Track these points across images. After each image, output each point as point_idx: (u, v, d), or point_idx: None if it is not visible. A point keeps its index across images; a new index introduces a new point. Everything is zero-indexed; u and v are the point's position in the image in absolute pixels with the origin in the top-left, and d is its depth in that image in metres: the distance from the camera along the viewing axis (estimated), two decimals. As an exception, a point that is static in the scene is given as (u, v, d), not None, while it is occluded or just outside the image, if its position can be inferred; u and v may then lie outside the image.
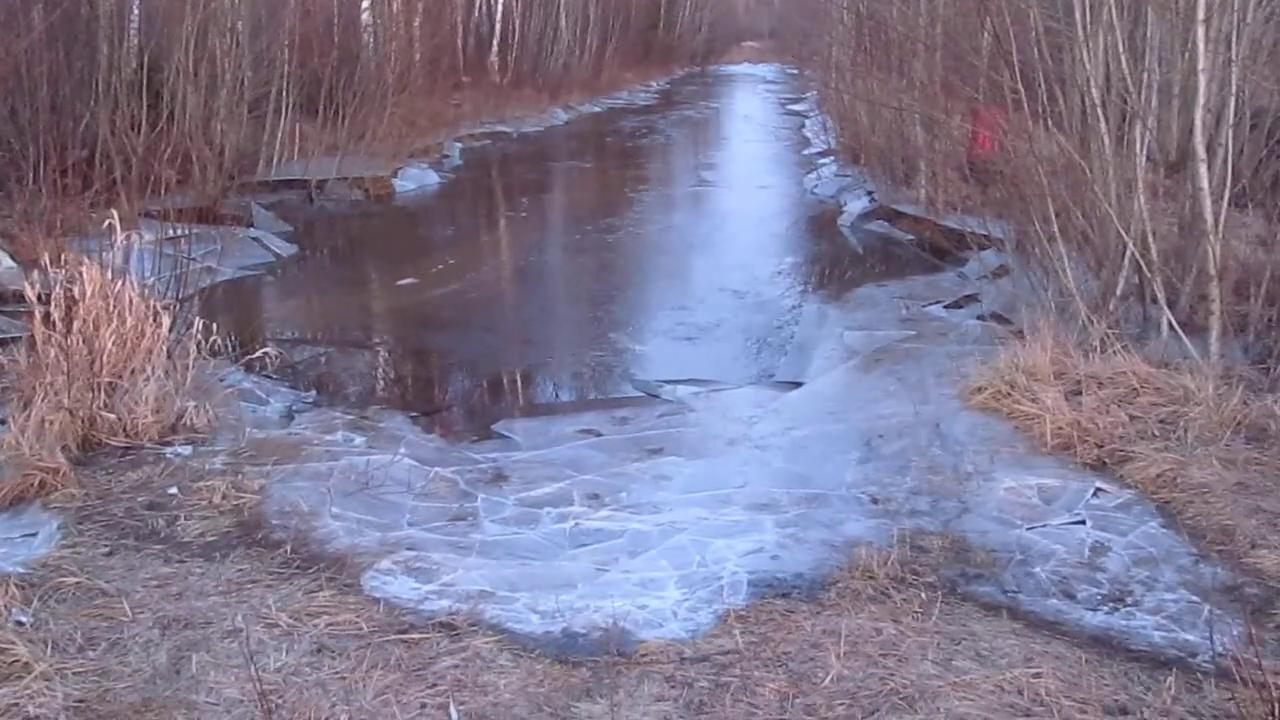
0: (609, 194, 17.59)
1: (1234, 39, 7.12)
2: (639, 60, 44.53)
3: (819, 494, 5.56)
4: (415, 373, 8.71)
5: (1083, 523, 5.10)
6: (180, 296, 7.56)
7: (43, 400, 5.79)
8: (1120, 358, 6.78)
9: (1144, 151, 7.51)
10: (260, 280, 11.14)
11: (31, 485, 5.23)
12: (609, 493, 5.67)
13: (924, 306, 9.76)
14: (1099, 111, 7.63)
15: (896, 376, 7.51)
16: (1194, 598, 4.36)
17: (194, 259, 8.42)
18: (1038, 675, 3.68)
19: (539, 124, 27.15)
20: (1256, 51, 7.85)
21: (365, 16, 19.87)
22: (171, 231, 8.41)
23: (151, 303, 6.66)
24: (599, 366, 8.52)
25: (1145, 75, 8.10)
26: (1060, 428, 6.01)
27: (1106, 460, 5.76)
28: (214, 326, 6.89)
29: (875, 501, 5.44)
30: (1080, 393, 6.43)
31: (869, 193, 15.40)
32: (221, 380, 7.13)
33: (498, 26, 30.76)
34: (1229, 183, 7.05)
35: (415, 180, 17.22)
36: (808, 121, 27.65)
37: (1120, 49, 7.52)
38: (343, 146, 16.40)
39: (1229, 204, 7.10)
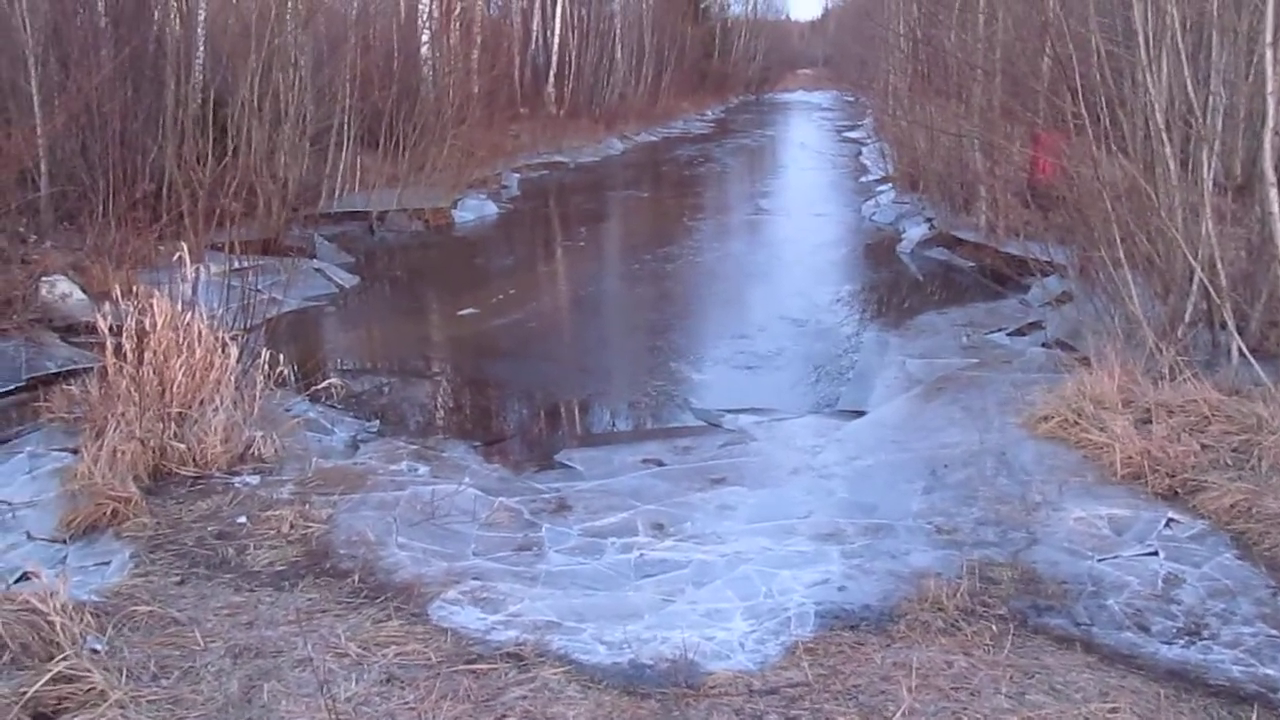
0: (666, 223, 17.64)
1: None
2: (694, 89, 44.81)
3: (884, 524, 5.50)
4: (477, 402, 8.77)
5: (1155, 554, 5.01)
6: (247, 327, 7.66)
7: (114, 430, 5.88)
8: (1190, 385, 6.67)
9: (1210, 175, 7.41)
10: (323, 311, 11.28)
11: (104, 514, 5.32)
12: (673, 523, 5.65)
13: (986, 334, 9.68)
14: (1163, 135, 7.54)
15: (960, 405, 7.44)
16: (1273, 631, 4.27)
17: (259, 290, 8.52)
18: (1114, 710, 3.61)
19: (595, 154, 27.35)
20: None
21: (424, 50, 20.15)
22: (237, 263, 8.52)
23: (220, 334, 6.77)
24: (659, 395, 8.51)
25: (1210, 98, 8.00)
26: (1130, 457, 5.92)
27: (1178, 490, 5.66)
28: (279, 357, 6.99)
29: (941, 532, 5.37)
30: (1150, 421, 6.32)
31: (928, 219, 15.32)
32: (287, 410, 7.21)
33: (554, 58, 31.07)
34: (1299, 206, 6.93)
35: (474, 211, 17.40)
36: (864, 148, 27.60)
37: (1185, 72, 7.44)
38: (403, 178, 16.60)
39: (1300, 228, 6.98)
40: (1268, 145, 6.89)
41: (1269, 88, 6.87)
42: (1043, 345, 9.02)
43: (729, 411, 7.90)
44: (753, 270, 13.70)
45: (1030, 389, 7.28)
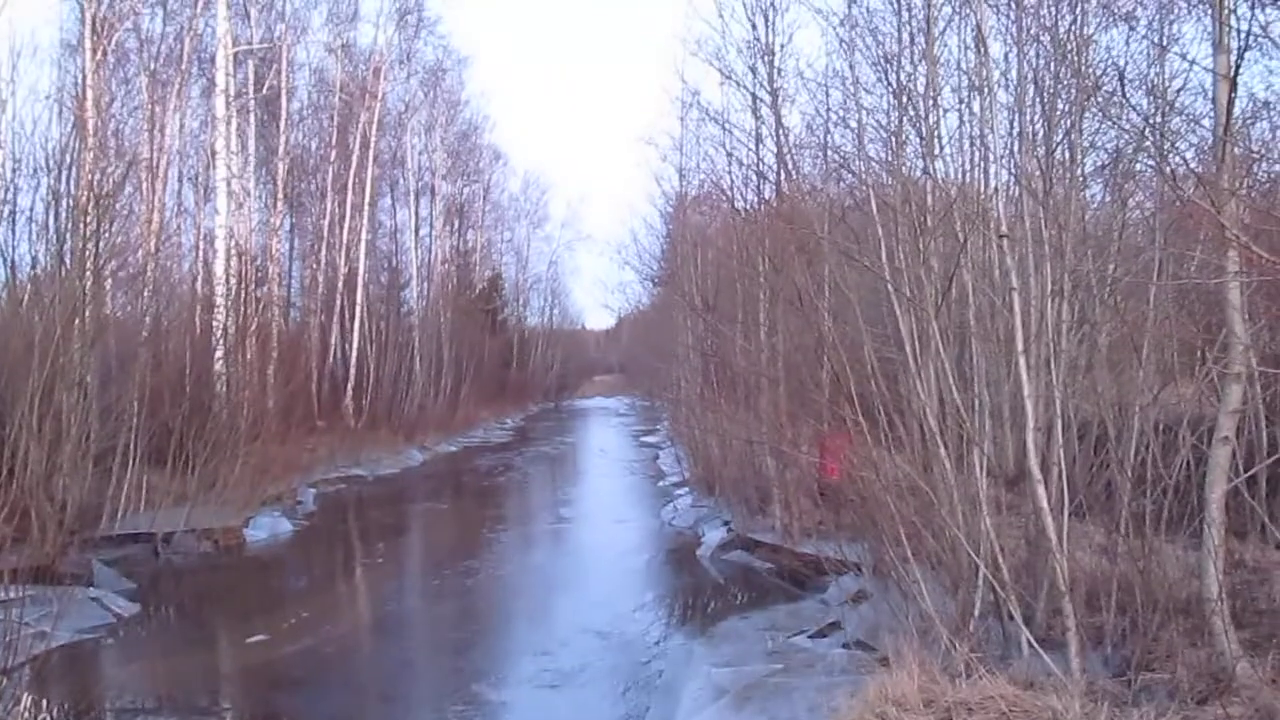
0: (467, 535, 17.45)
1: (1052, 363, 7.55)
2: (494, 397, 45.46)
3: None
4: (265, 741, 8.20)
5: None
6: (8, 666, 7.07)
7: None
8: (986, 681, 6.77)
9: (984, 472, 7.80)
10: (99, 644, 10.49)
11: None
12: None
13: (789, 637, 9.72)
14: (937, 437, 7.96)
15: (768, 714, 7.35)
16: None
17: (27, 624, 7.95)
18: None
19: (395, 465, 27.15)
20: (1074, 371, 8.34)
21: (218, 366, 19.95)
22: (3, 594, 7.97)
23: (-26, 679, 6.22)
24: (462, 722, 8.16)
25: (976, 400, 8.54)
26: (935, 762, 5.91)
27: (985, 793, 5.64)
28: (45, 700, 6.43)
29: None
30: (951, 720, 6.36)
31: (725, 522, 15.60)
32: (50, 762, 6.59)
33: (353, 371, 31.23)
34: (1066, 498, 7.32)
35: (267, 529, 16.83)
36: (661, 453, 28.23)
37: (950, 377, 7.94)
38: (192, 496, 16.08)
39: (1069, 517, 7.35)
40: (1030, 444, 7.32)
41: (1025, 390, 7.37)
42: (843, 646, 9.09)
43: (533, 737, 7.62)
44: (555, 582, 13.58)
45: (835, 693, 7.26)
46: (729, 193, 17.61)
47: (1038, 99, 8.47)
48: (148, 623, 11.55)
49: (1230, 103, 6.24)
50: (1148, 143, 7.75)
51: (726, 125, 16.88)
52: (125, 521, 15.01)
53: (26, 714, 6.21)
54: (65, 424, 13.43)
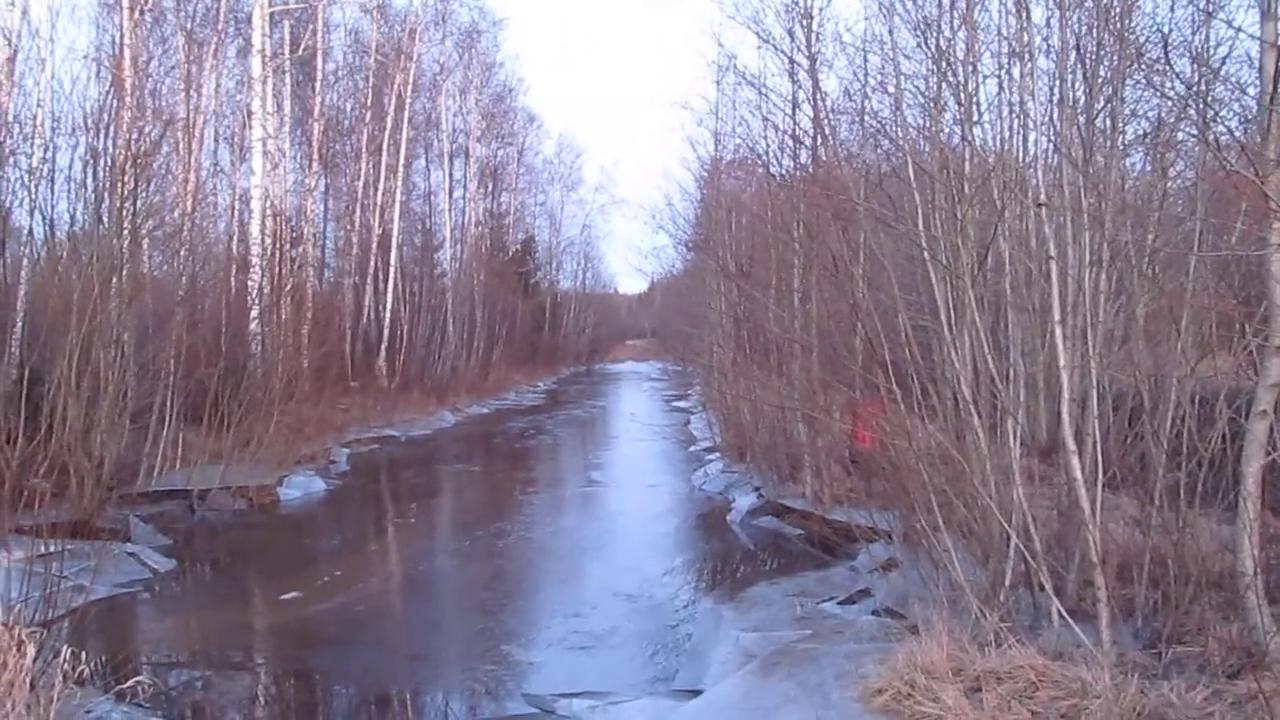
0: (498, 497, 17.55)
1: (1089, 333, 7.49)
2: (526, 360, 45.61)
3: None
4: (299, 696, 8.27)
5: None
6: (48, 619, 7.17)
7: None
8: (1015, 650, 6.77)
9: (1017, 442, 7.76)
10: (135, 598, 10.67)
11: None
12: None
13: (818, 604, 9.73)
14: (971, 406, 7.92)
15: (795, 680, 7.37)
16: None
17: (65, 577, 8.06)
18: None
19: (427, 427, 27.31)
20: (1110, 342, 8.27)
21: (254, 326, 20.10)
22: (43, 548, 8.08)
23: (16, 630, 6.31)
24: (491, 681, 8.21)
25: (1010, 370, 8.48)
26: (963, 729, 5.91)
27: (1013, 761, 5.65)
28: (83, 653, 6.52)
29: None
30: (980, 689, 6.36)
31: (756, 488, 15.60)
32: (89, 712, 6.69)
33: (386, 332, 31.36)
34: (1100, 469, 7.27)
35: (301, 488, 17.00)
36: (693, 418, 28.23)
37: (985, 346, 7.89)
38: (227, 455, 16.24)
39: (1103, 489, 7.30)
40: (1065, 415, 7.27)
41: (1061, 361, 7.32)
42: (873, 613, 9.10)
43: (563, 696, 7.65)
44: (585, 545, 13.64)
45: (863, 660, 7.27)
46: (764, 158, 17.51)
47: (1079, 65, 8.35)
48: (183, 578, 11.73)
49: (1277, 71, 6.13)
50: (1191, 111, 7.63)
51: (763, 90, 16.75)
52: (161, 479, 15.20)
53: (65, 666, 6.30)
54: (103, 381, 13.56)
